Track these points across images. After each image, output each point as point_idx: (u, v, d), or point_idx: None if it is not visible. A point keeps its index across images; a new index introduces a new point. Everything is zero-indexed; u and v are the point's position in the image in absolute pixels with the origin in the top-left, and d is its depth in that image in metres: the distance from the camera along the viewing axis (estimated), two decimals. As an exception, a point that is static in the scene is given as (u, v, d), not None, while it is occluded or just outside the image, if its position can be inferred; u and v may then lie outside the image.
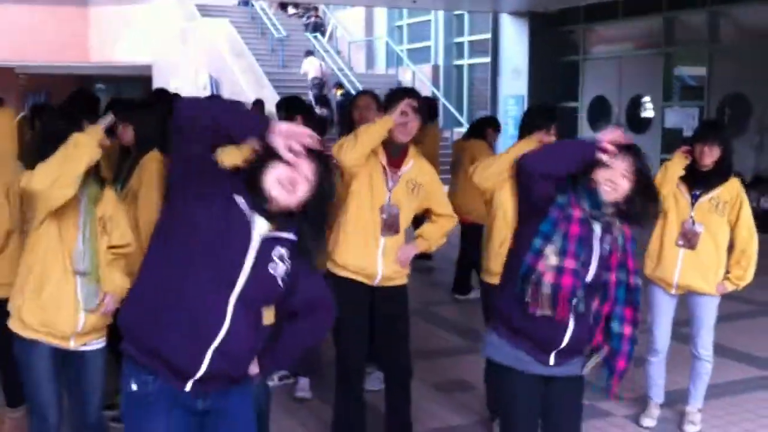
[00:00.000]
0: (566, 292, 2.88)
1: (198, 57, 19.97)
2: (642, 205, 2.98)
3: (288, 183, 2.39)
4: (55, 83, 22.90)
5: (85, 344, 3.36)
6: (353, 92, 18.01)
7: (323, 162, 2.44)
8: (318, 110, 16.08)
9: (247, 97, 15.43)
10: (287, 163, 2.36)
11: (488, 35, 16.90)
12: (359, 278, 4.02)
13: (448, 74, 18.74)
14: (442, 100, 18.26)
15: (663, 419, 4.73)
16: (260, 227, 2.43)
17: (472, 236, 6.88)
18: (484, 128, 7.40)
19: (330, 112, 16.86)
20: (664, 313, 4.61)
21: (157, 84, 22.54)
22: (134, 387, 2.47)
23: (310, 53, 18.63)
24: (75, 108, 5.13)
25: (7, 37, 22.38)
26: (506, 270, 3.12)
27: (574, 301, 2.91)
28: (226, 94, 17.58)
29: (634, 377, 4.96)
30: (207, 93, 17.80)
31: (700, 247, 4.44)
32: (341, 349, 4.15)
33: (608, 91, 14.82)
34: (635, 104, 14.33)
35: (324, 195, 2.45)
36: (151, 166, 4.24)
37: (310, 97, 17.10)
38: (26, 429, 4.12)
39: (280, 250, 2.47)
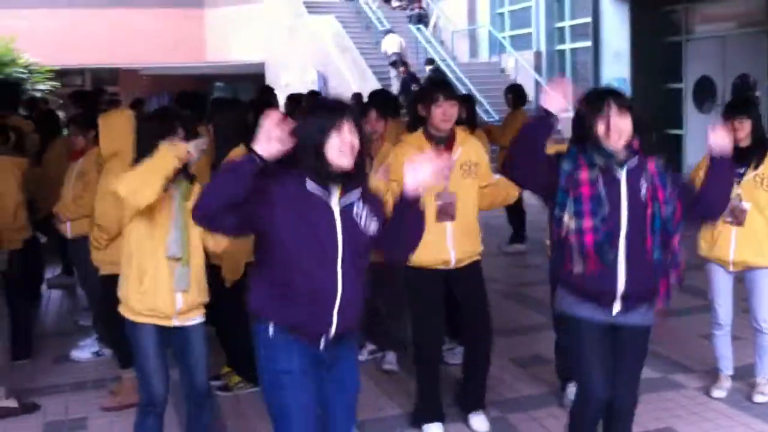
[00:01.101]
0: (590, 248, 3.18)
1: (306, 53, 20.63)
2: (647, 135, 3.27)
3: (344, 148, 2.85)
4: (175, 83, 24.06)
5: (186, 321, 3.77)
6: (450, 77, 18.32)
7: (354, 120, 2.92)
8: (414, 87, 16.58)
9: (352, 91, 15.96)
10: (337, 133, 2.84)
11: (589, 19, 16.82)
12: (435, 266, 4.34)
13: (551, 60, 18.73)
14: (544, 86, 18.32)
15: (734, 390, 4.90)
16: (334, 200, 2.90)
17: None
18: None
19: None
20: (723, 289, 4.79)
21: (269, 81, 23.43)
22: (278, 363, 2.94)
23: (389, 32, 18.94)
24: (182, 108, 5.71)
25: (129, 42, 23.69)
26: (556, 235, 3.36)
27: (603, 252, 3.17)
28: (333, 88, 18.19)
29: (704, 351, 5.15)
30: (315, 88, 18.43)
31: (750, 223, 4.60)
32: (417, 338, 4.53)
33: (713, 70, 14.57)
34: (741, 84, 14.04)
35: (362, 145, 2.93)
36: None
37: (392, 75, 17.56)
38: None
39: (357, 208, 2.95)
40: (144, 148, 3.66)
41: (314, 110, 2.98)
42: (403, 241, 3.10)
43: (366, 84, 17.24)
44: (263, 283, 2.97)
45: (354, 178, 2.95)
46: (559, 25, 18.65)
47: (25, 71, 19.15)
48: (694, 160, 14.41)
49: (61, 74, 23.69)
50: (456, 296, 4.54)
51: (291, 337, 2.93)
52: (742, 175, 4.58)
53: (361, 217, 2.96)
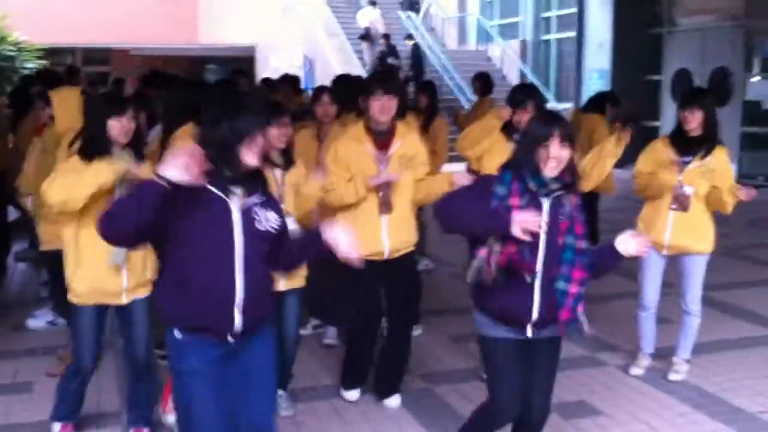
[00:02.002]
0: (515, 264, 3.20)
1: (295, 37, 20.78)
2: (578, 172, 3.35)
3: (257, 148, 2.96)
4: (167, 64, 24.18)
5: (132, 297, 3.97)
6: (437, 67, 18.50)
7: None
8: (391, 60, 17.11)
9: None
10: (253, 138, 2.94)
11: (575, 9, 16.98)
12: (370, 257, 4.37)
13: (536, 49, 18.90)
14: (528, 75, 18.50)
15: (654, 370, 5.11)
16: (235, 201, 2.97)
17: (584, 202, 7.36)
18: (603, 103, 7.72)
19: (399, 62, 17.58)
20: (653, 272, 4.97)
21: (259, 63, 23.58)
22: (186, 364, 3.01)
23: (373, 3, 19.26)
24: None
25: (121, 22, 23.80)
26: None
27: (526, 276, 3.23)
28: (319, 72, 18.35)
29: (633, 333, 5.35)
30: (302, 72, 18.60)
31: (691, 209, 4.77)
32: (356, 321, 4.74)
33: (691, 63, 14.75)
34: (717, 77, 14.23)
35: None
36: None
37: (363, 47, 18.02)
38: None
39: (259, 208, 3.03)
40: (92, 127, 3.86)
41: (231, 113, 2.99)
42: (297, 263, 3.33)
43: (351, 69, 17.37)
44: (166, 286, 3.04)
45: (255, 179, 3.05)
46: (546, 14, 18.83)
47: (14, 49, 19.27)
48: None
49: (52, 53, 23.85)
50: (387, 283, 4.64)
51: (197, 337, 3.00)
52: (687, 164, 4.73)
53: (260, 218, 3.03)
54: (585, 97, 16.18)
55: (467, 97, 16.98)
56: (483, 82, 9.37)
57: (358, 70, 17.12)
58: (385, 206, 4.43)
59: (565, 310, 3.28)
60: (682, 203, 4.78)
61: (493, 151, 4.72)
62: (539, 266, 3.25)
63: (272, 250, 3.13)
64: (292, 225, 4.13)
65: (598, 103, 7.82)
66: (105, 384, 4.88)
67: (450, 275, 7.44)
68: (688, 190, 4.75)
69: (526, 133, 3.40)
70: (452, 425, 4.34)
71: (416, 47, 17.91)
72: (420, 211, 7.51)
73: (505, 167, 3.37)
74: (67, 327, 5.42)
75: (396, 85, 4.60)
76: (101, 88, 19.33)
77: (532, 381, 3.48)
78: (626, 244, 3.26)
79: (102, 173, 3.70)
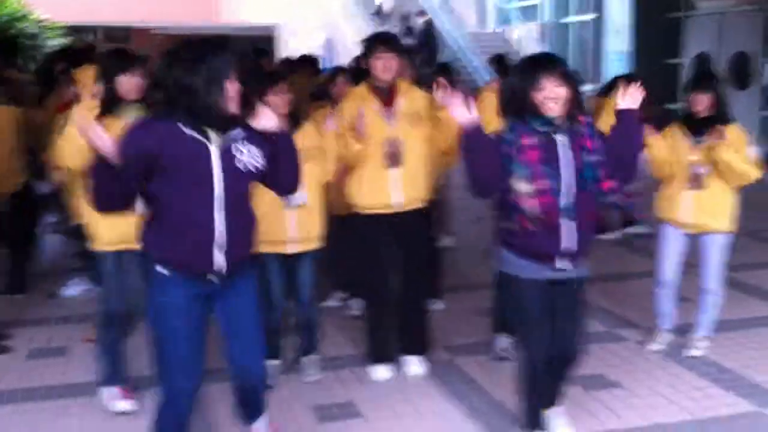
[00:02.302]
0: (549, 208, 3.40)
1: (315, 18, 20.85)
2: (580, 99, 3.50)
3: (233, 95, 3.06)
4: (187, 44, 24.33)
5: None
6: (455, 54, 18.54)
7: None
8: (405, 41, 16.99)
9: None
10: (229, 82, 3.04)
11: (594, -8, 17.00)
12: (379, 210, 4.63)
13: (556, 32, 18.90)
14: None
15: (673, 345, 5.21)
16: (215, 141, 3.06)
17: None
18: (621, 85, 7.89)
19: (416, 43, 17.70)
20: (673, 249, 5.06)
21: (279, 44, 23.63)
22: (167, 297, 3.12)
23: None
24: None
25: (142, 1, 23.92)
26: (498, 203, 3.60)
27: (560, 209, 3.41)
28: (338, 53, 18.42)
29: (651, 310, 5.45)
30: (320, 52, 18.70)
31: (709, 188, 4.86)
32: (367, 283, 4.87)
33: (710, 47, 14.75)
34: (736, 61, 14.23)
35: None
36: None
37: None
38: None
39: (239, 148, 3.12)
40: (105, 86, 4.03)
41: (204, 58, 3.03)
42: (291, 175, 3.40)
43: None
44: (152, 227, 3.14)
45: (233, 120, 3.12)
46: (565, -3, 18.83)
47: (37, 27, 19.43)
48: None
49: (74, 31, 24.00)
50: (396, 240, 4.74)
51: (178, 274, 3.11)
52: (700, 143, 4.85)
53: (242, 157, 3.12)
54: (604, 80, 16.27)
55: (485, 79, 17.02)
56: (500, 64, 9.42)
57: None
58: (390, 160, 4.54)
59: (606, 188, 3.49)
60: (696, 181, 4.89)
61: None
62: (564, 198, 3.41)
63: (269, 178, 3.27)
64: (301, 199, 4.27)
65: (616, 86, 7.93)
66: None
67: (472, 253, 7.57)
68: (702, 168, 4.87)
69: (516, 77, 3.52)
70: (474, 395, 4.52)
71: (428, 24, 17.95)
72: (444, 190, 7.71)
73: (505, 115, 3.53)
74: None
75: (397, 45, 4.70)
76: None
77: (561, 322, 3.64)
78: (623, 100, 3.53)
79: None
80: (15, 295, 6.24)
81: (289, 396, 4.52)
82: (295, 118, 4.45)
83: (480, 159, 3.46)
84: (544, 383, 3.79)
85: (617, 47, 16.17)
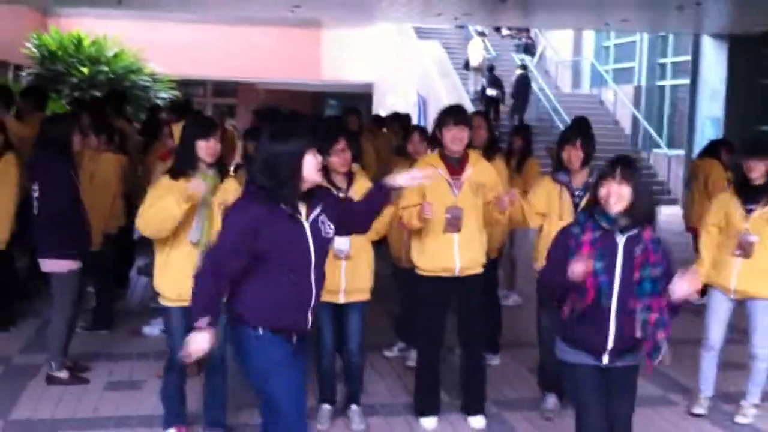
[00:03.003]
0: (597, 304, 3.56)
1: (410, 76, 21.41)
2: (647, 204, 3.64)
3: (319, 166, 3.46)
4: (290, 98, 25.26)
5: None
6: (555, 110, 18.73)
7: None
8: (489, 92, 18.04)
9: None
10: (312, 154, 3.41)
11: (689, 56, 16.94)
12: (440, 273, 4.87)
13: (650, 95, 18.87)
14: (642, 120, 18.48)
15: (722, 412, 5.28)
16: (304, 216, 3.43)
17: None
18: (719, 149, 8.37)
19: (501, 93, 18.23)
20: (719, 314, 5.16)
21: (376, 101, 24.34)
22: (270, 355, 3.44)
23: (482, 34, 19.76)
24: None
25: (248, 57, 25.02)
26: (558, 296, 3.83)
27: (603, 299, 3.56)
28: (431, 110, 18.83)
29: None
30: (415, 110, 19.20)
31: (756, 256, 4.96)
32: (420, 339, 5.12)
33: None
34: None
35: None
36: None
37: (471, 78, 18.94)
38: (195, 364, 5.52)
39: (321, 217, 3.49)
40: (183, 147, 4.41)
41: (284, 135, 3.42)
42: (367, 221, 3.85)
43: (462, 109, 17.81)
44: (253, 295, 3.41)
45: (316, 193, 3.50)
46: (661, 61, 18.79)
47: (149, 80, 20.62)
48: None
49: (184, 84, 25.23)
50: (458, 302, 5.01)
51: (275, 336, 3.44)
52: (751, 211, 4.95)
53: (323, 226, 3.49)
54: (697, 144, 16.13)
55: (577, 140, 17.12)
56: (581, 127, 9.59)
57: (468, 108, 17.57)
58: (452, 226, 4.79)
59: (649, 341, 3.59)
60: (745, 250, 4.98)
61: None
62: (614, 298, 3.57)
63: (344, 222, 3.64)
64: (344, 245, 4.58)
65: (713, 149, 8.40)
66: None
67: (533, 310, 7.68)
68: (752, 237, 4.94)
69: (600, 173, 3.72)
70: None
71: (524, 77, 18.29)
72: (512, 248, 7.90)
73: (583, 209, 3.78)
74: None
75: (466, 117, 4.96)
76: (230, 119, 20.52)
77: (613, 408, 3.79)
78: (678, 284, 3.51)
79: (173, 207, 4.19)
80: (99, 331, 6.72)
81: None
82: (349, 176, 4.77)
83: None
84: None
85: (711, 112, 16.06)
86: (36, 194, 5.53)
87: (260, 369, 3.47)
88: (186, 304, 4.33)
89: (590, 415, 3.78)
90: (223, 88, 28.16)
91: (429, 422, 5.02)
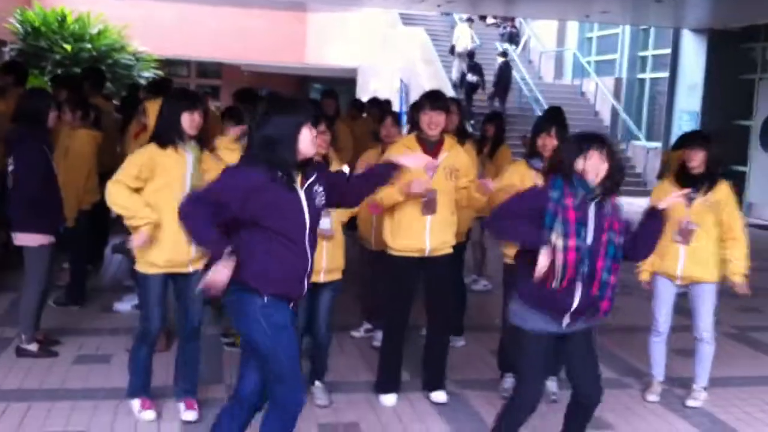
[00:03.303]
0: (572, 262, 3.75)
1: (394, 62, 21.49)
2: (618, 178, 3.88)
3: (314, 140, 3.60)
4: (275, 81, 25.30)
5: (195, 267, 4.59)
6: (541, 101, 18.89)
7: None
8: (469, 77, 18.30)
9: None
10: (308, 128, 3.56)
11: (669, 50, 17.12)
12: (411, 253, 5.04)
13: (630, 87, 19.05)
14: (621, 112, 18.66)
15: (674, 396, 5.46)
16: (299, 184, 3.55)
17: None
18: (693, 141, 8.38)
19: (480, 79, 18.53)
20: (665, 300, 5.35)
21: (360, 85, 24.41)
22: (277, 319, 3.56)
23: (470, 19, 20.03)
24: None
25: (234, 39, 25.01)
26: (521, 257, 3.99)
27: (580, 268, 3.75)
28: (413, 96, 18.95)
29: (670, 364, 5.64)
30: (397, 96, 19.28)
31: (697, 242, 5.14)
32: (386, 317, 5.26)
33: (783, 110, 14.72)
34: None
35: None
36: None
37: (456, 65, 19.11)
38: (164, 340, 5.63)
39: (315, 187, 3.63)
40: (166, 120, 4.52)
41: (284, 109, 3.58)
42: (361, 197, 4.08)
43: (444, 96, 17.92)
44: (255, 263, 3.51)
45: (311, 163, 3.66)
46: (642, 53, 18.95)
47: (132, 59, 20.57)
48: (756, 197, 14.63)
49: (168, 64, 25.15)
50: (425, 282, 5.15)
51: (279, 303, 3.58)
52: (692, 200, 5.12)
53: (317, 195, 3.64)
54: (674, 137, 16.33)
55: (556, 130, 17.28)
56: (556, 116, 9.72)
57: (450, 95, 17.69)
58: (428, 209, 4.94)
59: (606, 301, 3.84)
60: (685, 237, 5.16)
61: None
62: (586, 263, 3.77)
63: (335, 196, 3.81)
64: (327, 224, 4.70)
65: (686, 142, 8.31)
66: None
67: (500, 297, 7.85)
68: (693, 225, 5.14)
69: (569, 144, 3.96)
70: (476, 428, 4.80)
71: (506, 64, 18.46)
72: (482, 235, 8.04)
73: (552, 173, 3.93)
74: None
75: (444, 102, 5.08)
76: (213, 101, 20.53)
77: (576, 367, 4.02)
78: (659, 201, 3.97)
79: (139, 219, 4.42)
80: (71, 307, 6.81)
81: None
82: (326, 159, 4.87)
83: (511, 233, 4.03)
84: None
85: (689, 106, 16.25)
86: (11, 168, 5.60)
87: (267, 333, 3.56)
88: (174, 270, 4.54)
89: (530, 387, 3.97)
90: (207, 69, 28.16)
91: (389, 399, 5.16)
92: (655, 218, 3.96)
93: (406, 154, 4.79)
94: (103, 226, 8.31)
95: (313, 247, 3.65)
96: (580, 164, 3.81)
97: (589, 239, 3.78)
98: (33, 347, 5.64)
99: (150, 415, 4.72)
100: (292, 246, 3.54)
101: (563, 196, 3.79)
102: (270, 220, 3.48)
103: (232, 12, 24.60)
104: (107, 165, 7.31)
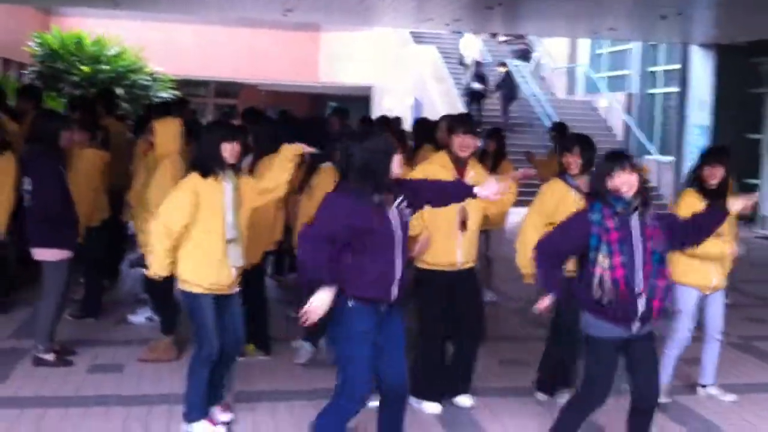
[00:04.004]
0: (621, 278, 4.03)
1: (406, 80, 21.73)
2: (647, 187, 4.25)
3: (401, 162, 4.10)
4: (290, 100, 25.61)
5: (234, 289, 4.82)
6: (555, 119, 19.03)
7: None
8: (474, 85, 18.70)
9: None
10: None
11: (679, 65, 17.24)
12: (444, 268, 5.25)
13: (641, 102, 19.16)
14: (634, 128, 18.77)
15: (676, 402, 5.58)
16: (389, 205, 3.98)
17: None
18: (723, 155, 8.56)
19: (484, 88, 18.99)
20: (691, 309, 5.51)
21: (374, 103, 24.67)
22: (355, 327, 3.96)
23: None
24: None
25: (250, 59, 25.39)
26: (579, 277, 4.26)
27: (632, 279, 4.02)
28: (426, 113, 19.16)
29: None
30: (410, 114, 19.50)
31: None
32: (425, 329, 5.40)
33: (792, 123, 14.79)
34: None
35: None
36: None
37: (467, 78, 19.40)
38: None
39: (402, 205, 4.06)
40: (206, 149, 4.71)
41: (374, 138, 4.08)
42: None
43: (454, 111, 18.11)
44: (347, 271, 3.93)
45: (396, 184, 4.07)
46: (652, 69, 19.07)
47: (149, 79, 20.90)
48: (769, 210, 14.68)
49: (187, 84, 25.51)
50: (457, 294, 5.35)
51: (364, 308, 3.96)
52: None
53: (404, 213, 4.08)
54: (686, 151, 16.44)
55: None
56: (559, 132, 9.89)
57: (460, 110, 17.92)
58: (464, 225, 5.22)
59: (657, 301, 4.12)
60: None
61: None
62: (639, 272, 4.05)
63: (423, 198, 4.29)
64: None
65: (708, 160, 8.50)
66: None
67: (511, 309, 8.05)
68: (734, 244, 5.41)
69: (597, 167, 4.34)
70: None
71: (508, 75, 18.89)
72: (488, 248, 8.19)
73: (589, 198, 4.26)
74: (160, 323, 6.34)
75: (474, 128, 5.44)
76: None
77: (640, 372, 4.26)
78: (733, 204, 4.38)
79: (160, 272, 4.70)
80: (87, 319, 7.03)
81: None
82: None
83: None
84: None
85: (699, 120, 16.35)
86: (28, 188, 5.82)
87: (345, 335, 3.99)
88: (219, 292, 4.72)
89: (601, 388, 4.24)
90: (226, 89, 28.49)
91: (431, 406, 5.34)
92: (719, 214, 4.38)
93: (444, 175, 5.08)
94: (118, 242, 8.54)
95: (404, 256, 4.07)
96: (611, 183, 4.09)
97: (635, 252, 4.05)
98: (50, 357, 5.84)
99: (226, 416, 4.97)
100: (380, 258, 3.96)
101: (603, 218, 4.08)
102: (363, 239, 3.91)
103: (248, 33, 24.96)
104: (119, 183, 7.58)
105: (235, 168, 4.83)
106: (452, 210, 5.09)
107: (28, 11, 21.57)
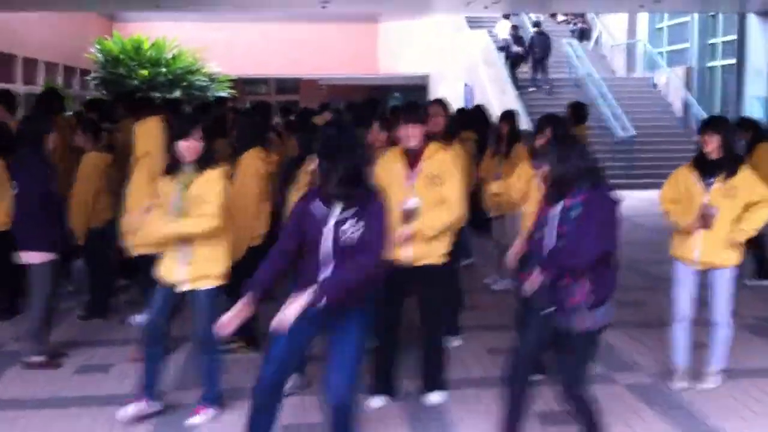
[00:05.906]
0: None
1: (460, 66, 21.50)
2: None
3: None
4: (350, 93, 25.67)
5: (194, 287, 4.85)
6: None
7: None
8: (515, 48, 19.39)
9: (490, 102, 16.65)
10: None
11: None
12: (399, 264, 4.99)
13: (701, 76, 18.48)
14: (693, 102, 18.11)
15: (656, 390, 5.36)
16: (334, 215, 3.85)
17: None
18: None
19: (524, 50, 19.48)
20: (684, 284, 5.30)
21: (431, 92, 24.50)
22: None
23: (505, 17, 20.37)
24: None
25: (310, 54, 25.57)
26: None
27: None
28: (477, 99, 18.93)
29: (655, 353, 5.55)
30: (461, 100, 19.30)
31: (716, 228, 5.07)
32: (377, 325, 5.10)
33: None
34: None
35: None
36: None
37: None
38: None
39: (349, 221, 3.84)
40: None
41: (347, 146, 3.89)
42: None
43: (504, 97, 17.85)
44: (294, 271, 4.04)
45: (352, 198, 3.86)
46: (712, 41, 18.37)
47: (207, 80, 21.24)
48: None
49: (247, 82, 25.86)
50: (414, 292, 5.20)
51: None
52: (711, 184, 5.07)
53: (348, 229, 3.83)
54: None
55: (622, 125, 16.90)
56: (574, 111, 9.60)
57: (512, 98, 17.61)
58: (406, 218, 4.98)
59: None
60: (706, 222, 5.09)
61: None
62: None
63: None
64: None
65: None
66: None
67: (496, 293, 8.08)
68: (713, 210, 5.05)
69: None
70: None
71: (540, 34, 19.19)
72: (503, 234, 7.99)
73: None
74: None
75: (417, 115, 5.15)
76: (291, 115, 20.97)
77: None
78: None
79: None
80: (94, 319, 7.17)
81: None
82: None
83: None
84: None
85: (757, 91, 15.66)
86: (15, 191, 5.95)
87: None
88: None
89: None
90: (286, 85, 28.76)
91: (375, 401, 5.21)
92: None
93: (391, 169, 5.01)
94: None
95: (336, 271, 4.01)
96: None
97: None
98: (39, 359, 5.96)
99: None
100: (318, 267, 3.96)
101: None
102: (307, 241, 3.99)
103: (307, 28, 25.12)
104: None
105: (200, 162, 4.79)
106: (396, 202, 4.78)
107: (90, 18, 22.16)
